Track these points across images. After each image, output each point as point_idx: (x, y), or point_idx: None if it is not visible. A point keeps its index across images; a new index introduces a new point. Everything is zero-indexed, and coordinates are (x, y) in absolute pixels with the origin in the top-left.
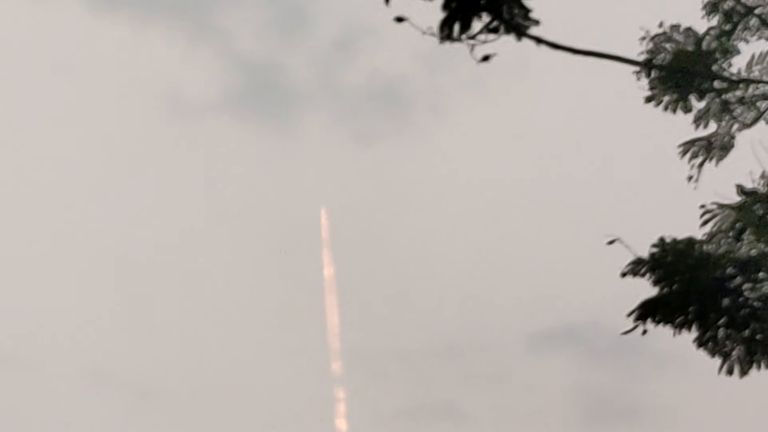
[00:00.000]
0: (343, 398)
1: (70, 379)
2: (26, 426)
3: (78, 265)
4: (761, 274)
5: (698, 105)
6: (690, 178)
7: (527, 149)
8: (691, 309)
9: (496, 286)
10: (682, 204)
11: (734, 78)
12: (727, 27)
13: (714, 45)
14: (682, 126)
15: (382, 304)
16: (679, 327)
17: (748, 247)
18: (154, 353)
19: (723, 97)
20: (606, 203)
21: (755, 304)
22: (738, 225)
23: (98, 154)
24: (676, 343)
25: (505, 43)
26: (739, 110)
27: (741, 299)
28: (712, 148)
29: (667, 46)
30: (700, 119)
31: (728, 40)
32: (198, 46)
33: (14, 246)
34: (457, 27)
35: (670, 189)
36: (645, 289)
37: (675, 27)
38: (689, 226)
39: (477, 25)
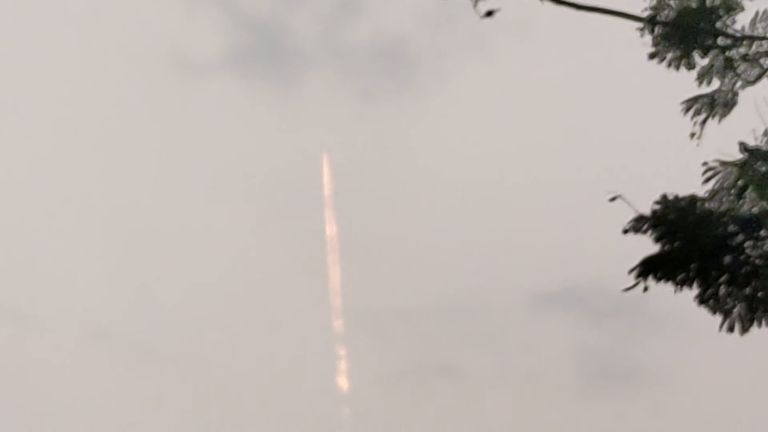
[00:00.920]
0: (345, 356)
1: (73, 336)
2: (31, 381)
3: (82, 222)
4: (763, 232)
5: (702, 62)
6: (693, 135)
7: (530, 108)
8: (692, 266)
9: (498, 246)
10: (685, 161)
11: (738, 35)
12: None
13: (718, 1)
14: (685, 83)
15: (383, 263)
16: (681, 284)
17: (750, 204)
18: (155, 312)
19: (726, 53)
20: (609, 160)
21: (757, 261)
22: (740, 182)
23: (101, 112)
24: (678, 304)
25: None
26: (742, 67)
27: (742, 257)
28: (715, 105)
29: (671, 2)
30: (704, 76)
31: None
32: (201, 4)
33: (20, 204)
34: None
35: (672, 146)
36: (646, 251)
37: None
38: (692, 184)
39: None
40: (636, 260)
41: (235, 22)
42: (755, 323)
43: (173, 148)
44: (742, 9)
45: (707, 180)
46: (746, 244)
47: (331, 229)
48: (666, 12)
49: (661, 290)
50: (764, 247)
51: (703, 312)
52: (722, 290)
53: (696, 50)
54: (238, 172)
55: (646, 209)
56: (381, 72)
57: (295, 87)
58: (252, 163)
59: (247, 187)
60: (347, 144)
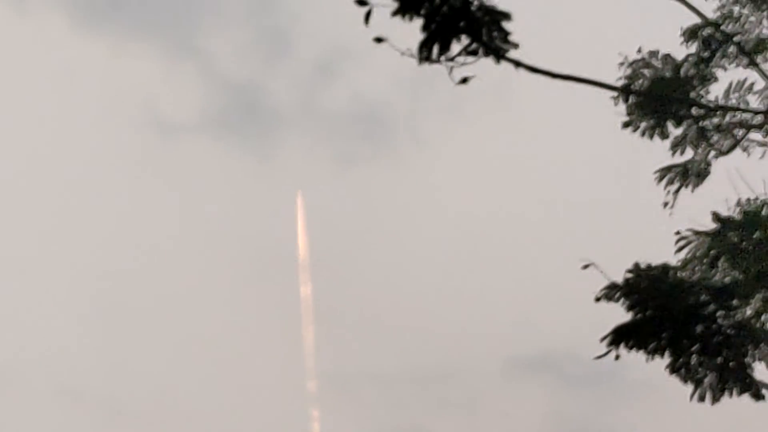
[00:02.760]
0: (318, 418)
1: (45, 396)
2: None
3: (54, 282)
4: (735, 302)
5: (675, 131)
6: (665, 204)
7: (505, 174)
8: (664, 335)
9: (472, 311)
10: (658, 230)
11: (712, 105)
12: (706, 54)
13: (692, 72)
14: (659, 152)
15: (358, 325)
16: (652, 353)
17: (723, 274)
18: (128, 372)
19: (700, 124)
20: (582, 228)
21: (728, 331)
22: (713, 252)
23: (74, 171)
24: (654, 372)
25: (485, 66)
26: (715, 137)
27: (714, 326)
28: (689, 175)
29: (646, 72)
30: (677, 146)
31: (706, 67)
32: (178, 66)
33: None
34: (436, 49)
35: (646, 215)
36: (621, 316)
37: (653, 53)
38: (664, 253)
39: (456, 47)
40: (610, 327)
41: (213, 83)
42: (726, 392)
43: (148, 208)
44: (716, 80)
45: (680, 249)
46: (718, 314)
47: (305, 292)
48: (640, 81)
49: (637, 357)
50: (736, 317)
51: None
52: (694, 359)
53: (670, 120)
54: (214, 233)
55: (620, 277)
56: (358, 136)
57: (273, 149)
58: (227, 223)
59: (222, 247)
60: (323, 207)
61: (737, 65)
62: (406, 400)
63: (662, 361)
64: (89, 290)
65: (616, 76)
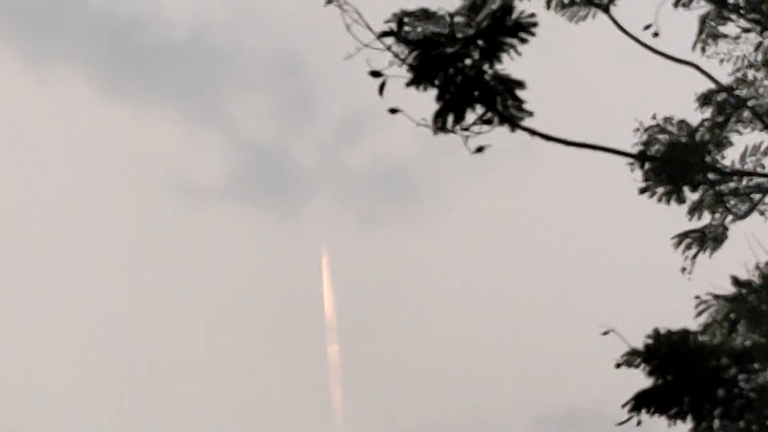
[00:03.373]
0: None
1: None
2: None
3: (81, 347)
4: (756, 365)
5: (692, 196)
6: (684, 269)
7: (530, 236)
8: (685, 400)
9: (499, 370)
10: (677, 295)
11: (728, 170)
12: (720, 119)
13: (707, 137)
14: (676, 217)
15: (385, 385)
16: (674, 417)
17: (743, 337)
18: None
19: (716, 188)
20: (605, 291)
21: (750, 395)
22: (732, 316)
23: (100, 238)
24: (680, 429)
25: (502, 132)
26: (732, 202)
27: (736, 390)
28: (706, 240)
29: (661, 137)
30: (694, 211)
31: (721, 132)
32: (202, 130)
33: (21, 328)
34: (450, 118)
35: (664, 280)
36: (645, 377)
37: (668, 119)
38: (684, 317)
39: (471, 117)
40: (637, 384)
41: (236, 147)
42: None
43: (173, 274)
44: (732, 144)
45: (700, 314)
46: (739, 378)
47: (332, 352)
48: (656, 147)
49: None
50: (757, 380)
51: None
52: (716, 424)
53: (686, 185)
54: (240, 295)
55: (640, 342)
56: (382, 196)
57: (297, 211)
58: (253, 285)
59: (248, 309)
60: (349, 267)
61: (752, 129)
62: None
63: (682, 424)
64: (115, 354)
65: (631, 142)
